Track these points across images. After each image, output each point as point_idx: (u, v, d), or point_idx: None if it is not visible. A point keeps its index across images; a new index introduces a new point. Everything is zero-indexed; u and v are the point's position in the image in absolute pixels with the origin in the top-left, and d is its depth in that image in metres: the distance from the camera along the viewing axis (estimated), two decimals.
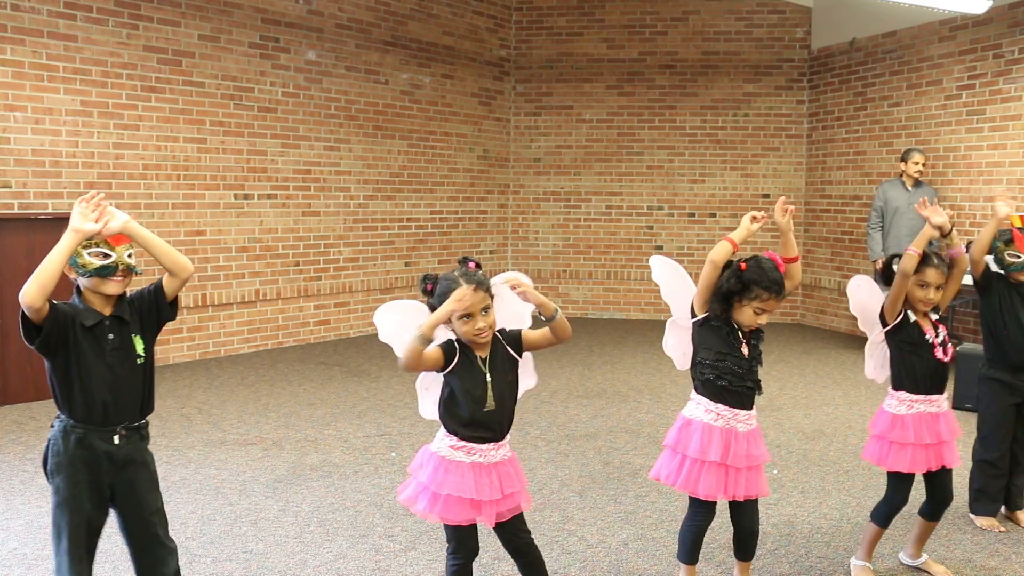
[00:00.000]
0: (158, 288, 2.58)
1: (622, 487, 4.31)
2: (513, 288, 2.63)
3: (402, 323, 2.66)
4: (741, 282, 2.85)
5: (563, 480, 4.41)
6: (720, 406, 2.90)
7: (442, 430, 2.68)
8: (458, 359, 2.62)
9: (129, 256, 2.48)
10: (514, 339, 2.72)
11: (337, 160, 8.23)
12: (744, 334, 2.93)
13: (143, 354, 2.54)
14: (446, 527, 2.68)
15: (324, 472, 4.51)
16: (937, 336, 3.20)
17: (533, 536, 2.79)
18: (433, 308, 2.59)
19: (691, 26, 9.56)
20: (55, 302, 2.39)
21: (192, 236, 7.17)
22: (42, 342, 2.37)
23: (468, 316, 2.56)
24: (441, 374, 2.65)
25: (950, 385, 3.38)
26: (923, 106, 8.01)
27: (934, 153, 7.88)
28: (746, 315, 2.88)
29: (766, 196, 9.64)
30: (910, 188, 7.30)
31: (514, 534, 2.73)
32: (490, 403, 2.61)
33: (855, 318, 3.42)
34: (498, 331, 2.72)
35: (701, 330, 2.96)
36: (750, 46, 9.50)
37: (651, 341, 8.37)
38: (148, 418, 2.62)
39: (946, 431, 3.19)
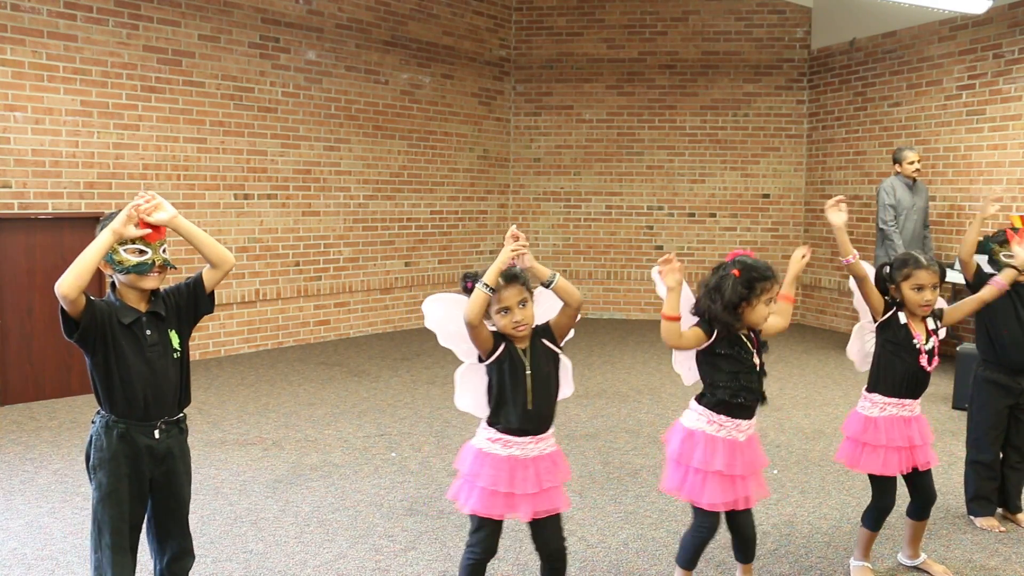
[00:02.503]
0: (197, 281, 2.62)
1: (622, 487, 4.31)
2: (514, 240, 2.67)
3: (449, 314, 2.75)
4: (746, 286, 2.82)
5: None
6: (723, 417, 2.88)
7: (482, 423, 2.75)
8: (502, 348, 2.68)
9: (164, 252, 2.51)
10: (546, 331, 2.77)
11: (337, 160, 8.23)
12: (754, 342, 2.91)
13: (179, 348, 2.57)
14: (472, 518, 2.71)
15: (324, 472, 4.51)
16: (927, 343, 3.16)
17: (525, 540, 2.80)
18: None
19: (691, 26, 9.56)
20: (92, 298, 2.42)
21: None
22: (80, 336, 2.40)
23: (506, 309, 2.64)
24: (484, 364, 2.71)
25: (949, 385, 3.38)
26: (923, 106, 8.01)
27: (934, 153, 7.88)
28: (759, 312, 2.86)
29: (766, 196, 9.64)
30: (911, 187, 7.27)
31: (551, 538, 2.75)
32: (529, 396, 2.66)
33: (855, 318, 3.41)
34: (537, 325, 2.77)
35: (709, 358, 2.91)
36: (750, 46, 9.50)
37: (651, 341, 8.37)
38: (186, 411, 2.66)
39: (918, 435, 3.17)
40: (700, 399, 2.96)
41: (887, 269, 3.22)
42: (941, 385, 6.27)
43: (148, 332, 2.50)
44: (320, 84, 8.01)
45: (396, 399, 6.05)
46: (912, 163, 7.16)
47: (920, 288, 3.11)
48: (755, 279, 2.83)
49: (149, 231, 2.45)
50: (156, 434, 2.52)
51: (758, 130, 9.57)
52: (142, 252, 2.45)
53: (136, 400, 2.47)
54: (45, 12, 6.21)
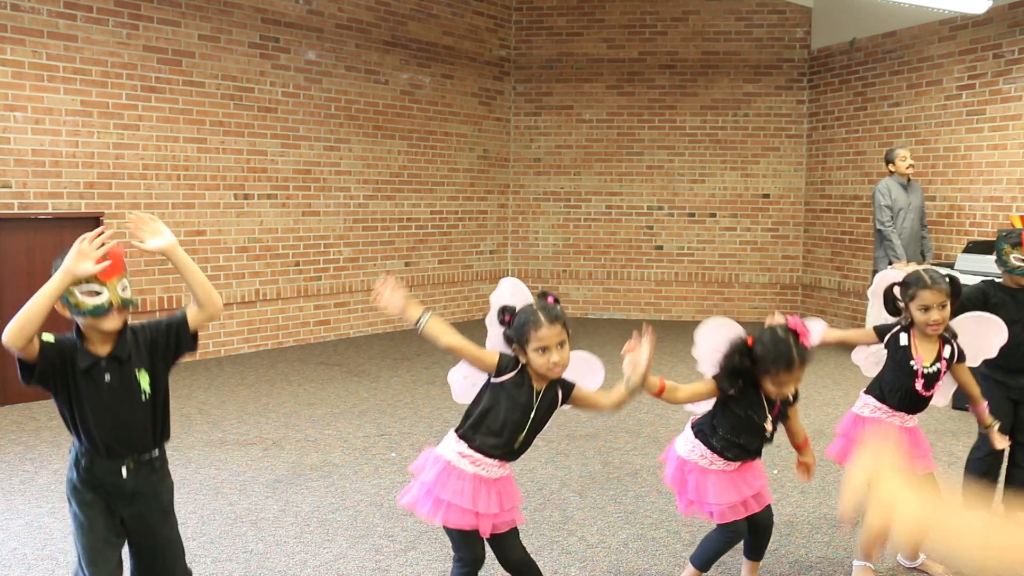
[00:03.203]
0: (181, 322, 2.44)
1: (622, 487, 4.31)
2: (631, 352, 2.59)
3: (471, 379, 2.69)
4: (751, 359, 2.73)
5: (563, 480, 4.41)
6: (714, 455, 2.87)
7: (453, 434, 2.67)
8: (514, 376, 2.60)
9: (124, 290, 2.32)
10: (567, 387, 2.70)
11: (337, 160, 8.23)
12: (773, 404, 2.83)
13: (148, 389, 2.39)
14: (449, 532, 2.66)
15: (324, 472, 4.51)
16: (930, 367, 3.09)
17: (527, 540, 2.78)
18: (510, 340, 2.59)
19: (691, 26, 9.56)
20: (53, 339, 2.28)
21: (192, 236, 7.17)
22: (38, 380, 2.26)
23: (544, 349, 2.53)
24: (490, 379, 2.64)
25: (948, 387, 3.35)
26: (923, 106, 8.01)
27: (934, 153, 7.88)
28: (768, 388, 2.77)
29: (766, 196, 9.64)
30: (906, 186, 7.27)
31: (510, 549, 2.71)
32: (521, 436, 2.62)
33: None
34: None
35: (721, 405, 2.86)
36: (750, 46, 9.50)
37: None
38: (164, 445, 2.50)
39: (910, 443, 3.14)
40: (696, 427, 2.92)
41: (895, 289, 3.17)
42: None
43: (107, 377, 2.31)
44: (320, 84, 8.01)
45: (396, 399, 6.05)
46: (905, 160, 7.15)
47: (927, 308, 3.03)
48: (760, 357, 2.72)
49: (106, 264, 2.25)
50: (123, 472, 2.36)
51: (758, 130, 9.57)
52: (97, 293, 2.25)
53: (96, 441, 2.33)
54: (45, 12, 6.21)
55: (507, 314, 2.61)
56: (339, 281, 8.37)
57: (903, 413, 3.17)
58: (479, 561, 2.70)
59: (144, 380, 2.39)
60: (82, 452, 2.36)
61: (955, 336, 3.18)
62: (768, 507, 2.97)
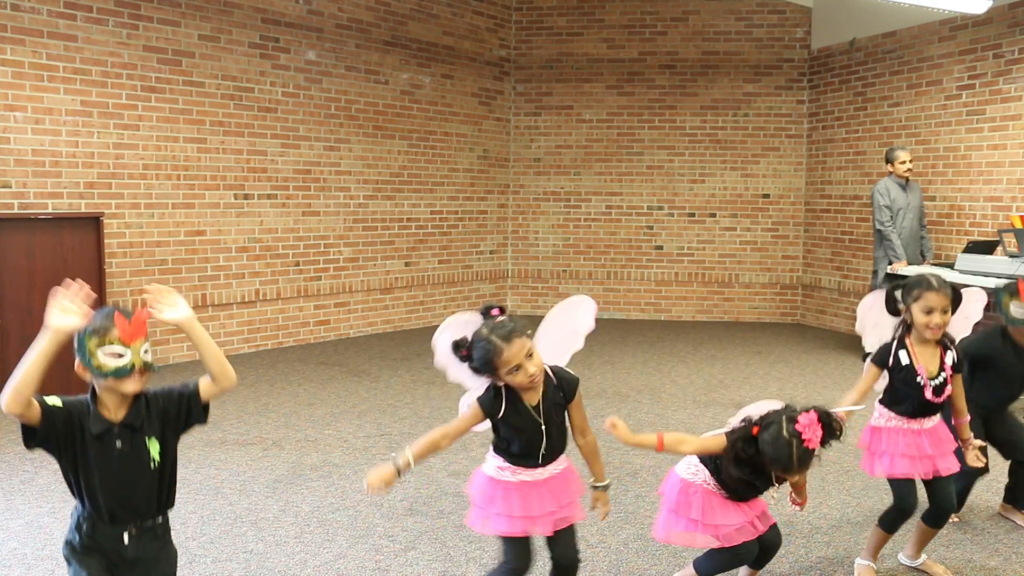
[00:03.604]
0: (193, 394, 2.41)
1: (622, 487, 4.31)
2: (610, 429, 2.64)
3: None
4: (754, 450, 2.67)
5: None
6: (721, 489, 2.85)
7: (490, 450, 2.69)
8: (505, 409, 2.56)
9: (146, 353, 2.27)
10: (570, 388, 2.65)
11: (337, 160, 8.23)
12: (779, 477, 2.80)
13: (158, 457, 2.36)
14: (499, 539, 2.66)
15: (324, 472, 4.51)
16: (936, 378, 3.07)
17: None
18: (478, 372, 2.54)
19: (691, 26, 9.56)
20: (60, 403, 2.23)
21: (192, 236, 7.18)
22: (40, 444, 2.21)
23: (517, 367, 2.47)
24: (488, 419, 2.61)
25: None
26: (923, 106, 8.01)
27: (934, 153, 7.88)
28: (774, 473, 2.73)
29: (766, 196, 9.64)
30: (904, 186, 7.28)
31: (568, 549, 2.70)
32: (543, 446, 2.60)
33: (855, 318, 3.36)
34: (553, 369, 2.65)
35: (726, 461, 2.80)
36: (750, 46, 9.50)
37: (651, 341, 8.37)
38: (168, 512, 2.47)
39: (929, 444, 3.12)
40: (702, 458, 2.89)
41: (899, 292, 3.13)
42: None
43: (119, 443, 2.27)
44: (320, 84, 8.01)
45: (396, 399, 6.05)
46: (904, 163, 7.19)
47: (930, 311, 3.00)
48: (762, 452, 2.65)
49: (128, 327, 2.21)
50: (125, 539, 2.31)
51: (758, 130, 9.57)
52: (120, 355, 2.21)
53: (100, 507, 2.29)
54: (45, 12, 6.21)
55: (462, 348, 2.55)
56: (339, 281, 8.37)
57: (920, 419, 3.15)
58: (523, 570, 2.66)
59: (154, 448, 2.36)
60: (84, 516, 2.31)
61: (954, 342, 3.16)
62: (774, 527, 2.94)
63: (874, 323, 3.22)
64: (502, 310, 2.59)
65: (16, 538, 3.64)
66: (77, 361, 2.19)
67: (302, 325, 8.09)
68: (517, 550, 2.63)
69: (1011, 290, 3.44)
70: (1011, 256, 6.18)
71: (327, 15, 8.03)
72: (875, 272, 7.39)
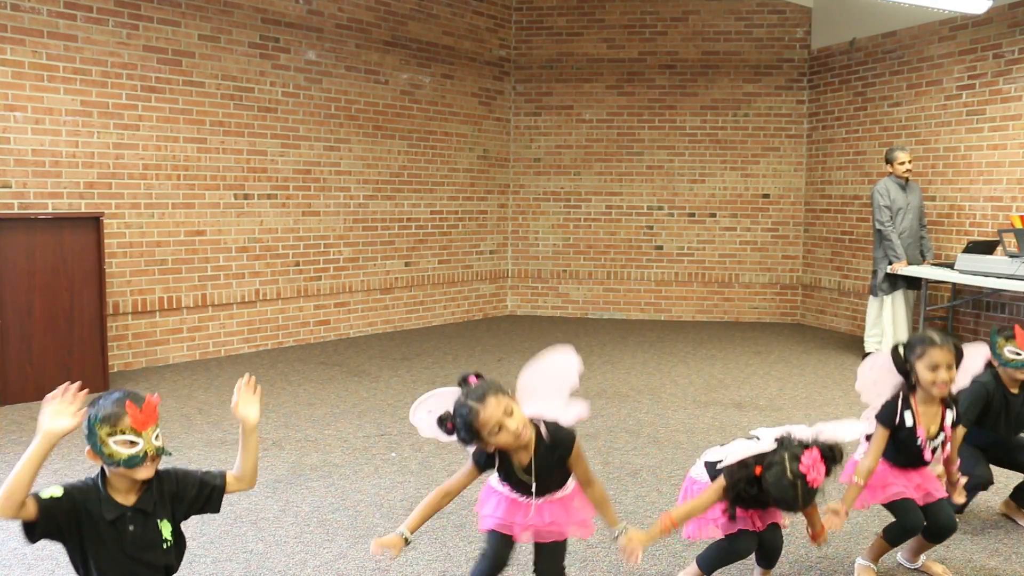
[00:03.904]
0: (219, 487, 2.43)
1: (622, 487, 4.31)
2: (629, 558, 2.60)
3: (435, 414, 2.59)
4: (758, 487, 2.66)
5: None
6: None
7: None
8: (498, 467, 2.63)
9: (157, 439, 2.26)
10: (566, 446, 2.61)
11: (337, 160, 8.23)
12: (778, 515, 2.84)
13: (170, 538, 2.34)
14: (485, 534, 2.77)
15: (324, 472, 4.51)
16: (936, 437, 3.07)
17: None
18: (465, 442, 2.53)
19: (691, 26, 9.56)
20: (61, 493, 2.19)
21: (192, 236, 7.18)
22: (42, 537, 2.17)
23: (499, 428, 2.44)
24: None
25: None
26: (923, 106, 8.01)
27: (934, 153, 7.88)
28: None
29: (766, 196, 9.65)
30: (904, 187, 7.29)
31: (551, 563, 2.70)
32: (535, 490, 2.61)
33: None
34: (548, 427, 2.60)
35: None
36: (750, 46, 9.50)
37: (651, 341, 8.37)
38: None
39: (918, 475, 3.13)
40: (711, 466, 2.89)
41: (902, 350, 3.08)
42: None
43: (131, 527, 2.25)
44: (320, 84, 8.01)
45: (396, 399, 6.06)
46: (903, 163, 7.20)
47: (935, 367, 2.95)
48: (766, 492, 2.62)
49: (140, 423, 2.20)
50: None
51: (758, 130, 9.58)
52: (133, 443, 2.19)
53: None
54: (45, 12, 6.21)
55: (447, 422, 2.53)
56: (339, 281, 8.37)
57: (910, 471, 3.15)
58: (499, 561, 2.71)
59: (166, 530, 2.34)
60: None
61: (956, 401, 3.14)
62: (774, 526, 2.94)
63: (874, 381, 3.17)
64: (478, 376, 2.56)
65: (16, 538, 3.64)
66: (88, 448, 2.18)
67: (302, 325, 8.09)
68: (496, 542, 2.69)
69: (1007, 334, 3.51)
70: (1011, 256, 6.18)
71: (327, 15, 8.04)
72: (875, 272, 7.40)
